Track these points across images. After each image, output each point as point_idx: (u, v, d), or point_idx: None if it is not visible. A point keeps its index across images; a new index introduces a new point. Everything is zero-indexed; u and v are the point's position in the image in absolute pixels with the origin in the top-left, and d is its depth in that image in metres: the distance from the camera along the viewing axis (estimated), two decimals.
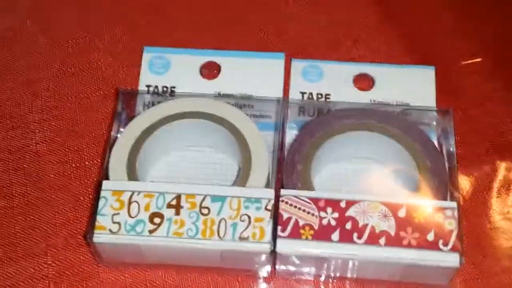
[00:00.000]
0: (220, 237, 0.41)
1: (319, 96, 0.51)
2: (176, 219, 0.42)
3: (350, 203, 0.42)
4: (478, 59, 0.53)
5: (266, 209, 0.42)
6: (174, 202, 0.42)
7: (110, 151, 0.45)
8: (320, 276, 0.43)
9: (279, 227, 0.41)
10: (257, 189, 0.43)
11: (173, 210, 0.42)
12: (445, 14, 0.56)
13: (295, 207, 0.42)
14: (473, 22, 0.56)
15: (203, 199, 0.42)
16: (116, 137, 0.46)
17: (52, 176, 0.48)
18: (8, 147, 0.49)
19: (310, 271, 0.43)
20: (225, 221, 0.42)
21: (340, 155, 0.47)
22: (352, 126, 0.46)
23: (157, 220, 0.42)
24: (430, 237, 0.40)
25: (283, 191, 0.42)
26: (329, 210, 0.42)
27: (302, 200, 0.42)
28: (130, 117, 0.48)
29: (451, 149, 0.45)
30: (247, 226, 0.41)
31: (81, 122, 0.51)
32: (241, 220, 0.42)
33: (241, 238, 0.41)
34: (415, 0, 0.57)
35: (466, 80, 0.52)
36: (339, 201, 0.42)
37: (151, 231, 0.41)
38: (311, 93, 0.51)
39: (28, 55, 0.54)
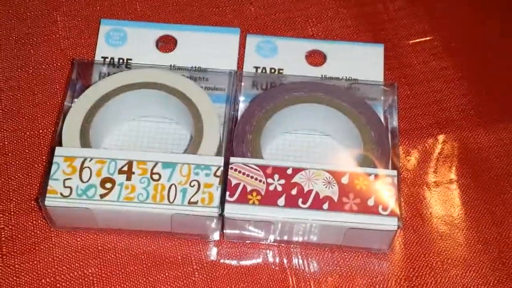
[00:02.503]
0: (170, 202, 0.42)
1: (272, 70, 0.52)
2: (127, 184, 0.43)
3: (296, 171, 0.43)
4: (427, 38, 0.55)
5: (215, 175, 0.43)
6: (125, 168, 0.43)
7: (63, 119, 0.46)
8: (267, 239, 0.45)
9: (227, 193, 0.43)
10: (207, 156, 0.44)
11: (124, 176, 0.43)
12: None
13: (244, 174, 0.43)
14: (424, 2, 0.57)
15: (154, 166, 0.43)
16: (70, 106, 0.47)
17: (7, 144, 0.49)
18: None
19: (258, 235, 0.44)
20: (175, 186, 0.43)
21: (289, 127, 0.49)
22: (301, 99, 0.47)
23: (108, 185, 0.43)
24: (371, 202, 0.42)
25: (232, 159, 0.44)
26: (276, 176, 0.43)
27: (251, 167, 0.43)
28: (86, 87, 0.49)
29: (394, 122, 0.47)
30: (197, 191, 0.43)
31: (38, 92, 0.52)
32: (190, 186, 0.43)
33: (191, 203, 0.42)
34: None
35: (414, 58, 0.54)
36: (285, 168, 0.43)
37: (102, 196, 0.42)
38: (264, 68, 0.52)
39: None
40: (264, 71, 0.52)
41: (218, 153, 0.45)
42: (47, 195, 0.42)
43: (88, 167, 0.43)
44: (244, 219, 0.43)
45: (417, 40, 0.55)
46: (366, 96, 0.49)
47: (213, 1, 0.57)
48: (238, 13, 0.56)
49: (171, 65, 0.52)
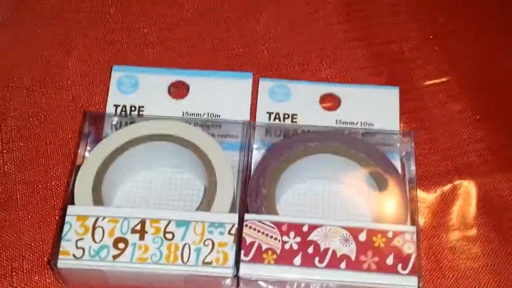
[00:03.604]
0: (183, 262, 0.42)
1: (286, 116, 0.51)
2: (140, 244, 0.42)
3: (312, 227, 0.42)
4: (443, 79, 0.54)
5: (229, 233, 0.42)
6: (138, 227, 0.43)
7: (75, 175, 0.45)
8: None
9: (242, 251, 0.42)
10: (221, 214, 0.43)
11: (137, 235, 0.42)
12: (411, 34, 0.57)
13: (259, 231, 0.42)
14: (440, 43, 0.56)
15: (168, 224, 0.43)
16: (82, 159, 0.46)
17: (19, 196, 0.49)
18: None
19: None
20: (189, 246, 0.42)
21: (305, 177, 0.48)
22: (316, 149, 0.46)
23: (121, 245, 0.42)
24: (389, 261, 0.41)
25: (247, 216, 0.43)
26: (291, 234, 0.42)
27: (266, 224, 0.43)
28: (98, 139, 0.48)
29: (412, 172, 0.46)
30: (211, 251, 0.42)
31: (49, 142, 0.51)
32: (205, 245, 0.42)
33: (205, 263, 0.42)
34: (382, 20, 0.58)
35: (430, 101, 0.53)
36: (301, 225, 0.42)
37: (115, 257, 0.42)
38: (277, 113, 0.51)
39: None
40: (277, 116, 0.51)
41: (232, 208, 0.45)
42: (60, 256, 0.42)
43: (100, 226, 0.43)
44: (259, 279, 0.42)
45: (432, 82, 0.54)
46: (382, 142, 0.48)
47: (225, 44, 0.56)
48: (251, 56, 0.56)
49: (183, 112, 0.51)
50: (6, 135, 0.51)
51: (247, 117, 0.51)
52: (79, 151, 0.47)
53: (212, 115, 0.51)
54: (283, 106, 0.52)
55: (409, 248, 0.42)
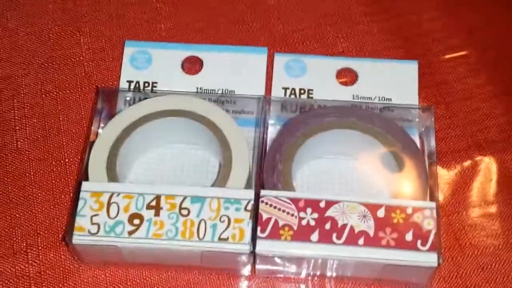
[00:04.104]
0: (199, 238, 0.41)
1: (302, 91, 0.51)
2: (156, 220, 0.42)
3: (329, 204, 0.42)
4: (462, 53, 0.53)
5: (245, 209, 0.42)
6: (153, 203, 0.42)
7: (89, 151, 0.45)
8: (300, 274, 0.43)
9: (258, 228, 0.41)
10: (237, 190, 0.43)
11: (152, 211, 0.42)
12: (430, 8, 0.56)
13: (275, 207, 0.42)
14: (459, 16, 0.55)
15: (183, 200, 0.42)
16: (96, 135, 0.46)
17: (33, 173, 0.48)
18: None
19: (290, 269, 0.43)
20: (205, 222, 0.42)
21: (321, 153, 0.47)
22: (333, 125, 0.46)
23: (136, 221, 0.42)
24: (409, 237, 0.41)
25: (263, 192, 0.42)
26: (308, 210, 0.42)
27: (282, 200, 0.42)
28: (111, 115, 0.48)
29: (432, 148, 0.45)
30: (227, 227, 0.41)
31: (63, 119, 0.51)
32: (220, 221, 0.42)
33: (221, 239, 0.41)
34: None
35: (449, 75, 0.52)
36: (318, 201, 0.42)
37: (130, 232, 0.41)
38: (293, 89, 0.51)
39: (10, 49, 0.53)
40: (293, 91, 0.51)
41: (248, 184, 0.44)
42: (75, 232, 0.41)
43: (115, 202, 0.42)
44: (276, 256, 0.41)
45: (452, 55, 0.53)
46: (400, 117, 0.47)
47: (239, 19, 0.55)
48: (265, 30, 0.55)
49: (197, 88, 0.50)
50: (18, 111, 0.51)
51: (262, 92, 0.50)
52: (92, 127, 0.46)
53: (226, 91, 0.50)
54: (299, 81, 0.51)
55: (429, 224, 0.41)
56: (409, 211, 0.41)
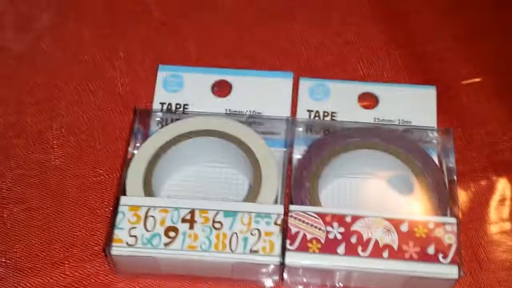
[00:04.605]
0: (232, 250, 0.43)
1: (325, 114, 0.53)
2: (190, 233, 0.44)
3: (355, 218, 0.44)
4: (478, 79, 0.56)
5: (275, 223, 0.44)
6: (188, 217, 0.45)
7: (127, 168, 0.47)
8: (326, 285, 0.46)
9: (287, 241, 0.43)
10: (267, 205, 0.45)
11: (187, 225, 0.44)
12: (447, 34, 0.58)
13: (303, 221, 0.44)
14: (474, 42, 0.58)
15: (216, 214, 0.45)
16: (133, 154, 0.48)
17: (70, 190, 0.51)
18: (28, 162, 0.52)
19: (317, 281, 0.45)
20: (237, 235, 0.44)
21: (346, 172, 0.50)
22: (357, 145, 0.48)
23: (172, 234, 0.44)
24: (431, 250, 0.43)
25: (292, 207, 0.45)
26: (335, 225, 0.44)
27: (310, 215, 0.44)
28: (145, 134, 0.50)
29: (451, 166, 0.47)
30: (258, 240, 0.44)
31: (98, 137, 0.53)
32: (251, 234, 0.44)
33: (252, 251, 0.43)
34: (418, 21, 0.59)
35: (466, 100, 0.55)
36: (344, 216, 0.44)
37: (166, 244, 0.44)
38: (317, 111, 0.53)
39: (48, 71, 0.56)
40: (317, 114, 0.53)
41: (276, 200, 0.46)
42: (114, 244, 0.44)
43: (152, 216, 0.45)
44: (304, 267, 0.43)
45: (469, 81, 0.56)
46: (420, 139, 0.49)
47: (266, 45, 0.58)
48: (290, 55, 0.57)
49: (226, 110, 0.53)
50: (57, 131, 0.53)
51: (287, 115, 0.53)
52: (129, 148, 0.49)
53: (254, 113, 0.53)
54: (322, 105, 0.53)
55: (450, 239, 0.43)
56: (431, 226, 0.44)
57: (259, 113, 0.53)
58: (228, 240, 0.44)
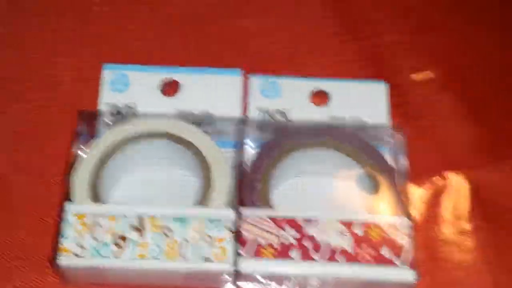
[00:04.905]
0: (183, 258, 0.42)
1: (277, 112, 0.52)
2: (140, 241, 0.43)
3: (308, 222, 0.43)
4: (429, 72, 0.55)
5: (227, 228, 0.43)
6: (137, 224, 0.43)
7: (72, 173, 0.46)
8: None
9: (240, 247, 0.42)
10: (218, 210, 0.44)
11: (136, 232, 0.43)
12: (397, 28, 0.58)
13: (256, 226, 0.43)
14: (424, 36, 0.58)
15: (166, 220, 0.43)
16: (78, 157, 0.47)
17: (16, 198, 0.49)
18: None
19: (272, 286, 0.44)
20: (188, 241, 0.43)
21: (298, 172, 0.49)
22: (308, 144, 0.47)
23: (121, 242, 0.43)
24: (385, 253, 0.42)
25: (244, 211, 0.44)
26: (288, 228, 0.43)
27: (262, 219, 0.43)
28: (92, 137, 0.49)
29: (403, 166, 0.47)
30: (210, 247, 0.43)
31: (44, 140, 0.51)
32: (204, 241, 0.43)
33: (204, 259, 0.42)
34: (368, 15, 0.59)
35: (417, 95, 0.54)
36: (297, 219, 0.43)
37: (115, 254, 0.42)
38: (268, 110, 0.52)
39: None
40: (268, 112, 0.52)
41: (228, 203, 0.45)
42: (60, 254, 0.42)
43: (99, 224, 0.43)
44: (258, 274, 0.42)
45: (419, 75, 0.55)
46: (373, 137, 0.49)
47: (214, 40, 0.57)
48: (240, 52, 0.56)
49: (175, 110, 0.52)
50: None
51: (238, 114, 0.52)
52: (73, 150, 0.47)
53: (203, 112, 0.52)
54: (274, 103, 0.53)
55: (403, 240, 0.43)
56: (385, 227, 0.43)
57: (210, 112, 0.52)
58: (179, 247, 0.43)
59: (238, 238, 0.43)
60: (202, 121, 0.50)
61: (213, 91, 0.53)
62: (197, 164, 0.47)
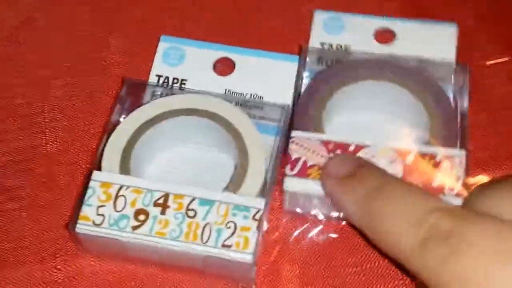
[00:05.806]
0: (202, 242, 0.39)
1: (339, 47, 0.49)
2: (161, 219, 0.40)
3: (359, 147, 0.41)
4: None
5: (253, 218, 0.39)
6: (161, 201, 0.40)
7: (106, 140, 0.43)
8: (324, 215, 0.43)
9: (287, 166, 0.41)
10: (247, 198, 0.40)
11: (159, 209, 0.40)
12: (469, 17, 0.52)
13: (305, 148, 0.41)
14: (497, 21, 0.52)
15: (191, 201, 0.40)
16: (114, 126, 0.44)
17: (62, 177, 0.47)
18: (17, 148, 0.48)
19: (315, 210, 0.43)
20: (210, 226, 0.39)
21: (353, 104, 0.46)
22: (367, 76, 0.45)
23: (142, 217, 0.40)
24: (436, 183, 0.40)
25: (294, 133, 0.42)
26: (338, 152, 0.41)
27: (312, 141, 0.42)
28: (135, 107, 0.45)
29: (465, 105, 0.44)
30: (232, 234, 0.39)
31: (94, 121, 0.49)
32: (226, 227, 0.39)
33: (224, 246, 0.38)
34: None
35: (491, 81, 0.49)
36: (348, 145, 0.41)
37: (134, 228, 0.39)
38: (331, 45, 0.50)
39: (39, 52, 0.53)
40: (330, 47, 0.49)
41: (261, 192, 0.41)
42: (79, 221, 0.40)
43: (123, 195, 0.40)
44: (303, 194, 0.41)
45: (494, 62, 0.50)
46: (436, 75, 0.45)
47: (273, 24, 0.53)
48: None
49: (226, 90, 0.48)
50: (48, 114, 0.49)
51: (289, 101, 0.47)
52: (112, 117, 0.45)
53: (254, 96, 0.48)
54: (337, 38, 0.50)
55: (458, 171, 0.40)
56: (438, 158, 0.41)
57: (261, 96, 0.48)
58: (201, 230, 0.39)
59: (286, 158, 0.41)
60: (249, 104, 0.46)
61: (268, 75, 0.49)
62: (234, 147, 0.43)
